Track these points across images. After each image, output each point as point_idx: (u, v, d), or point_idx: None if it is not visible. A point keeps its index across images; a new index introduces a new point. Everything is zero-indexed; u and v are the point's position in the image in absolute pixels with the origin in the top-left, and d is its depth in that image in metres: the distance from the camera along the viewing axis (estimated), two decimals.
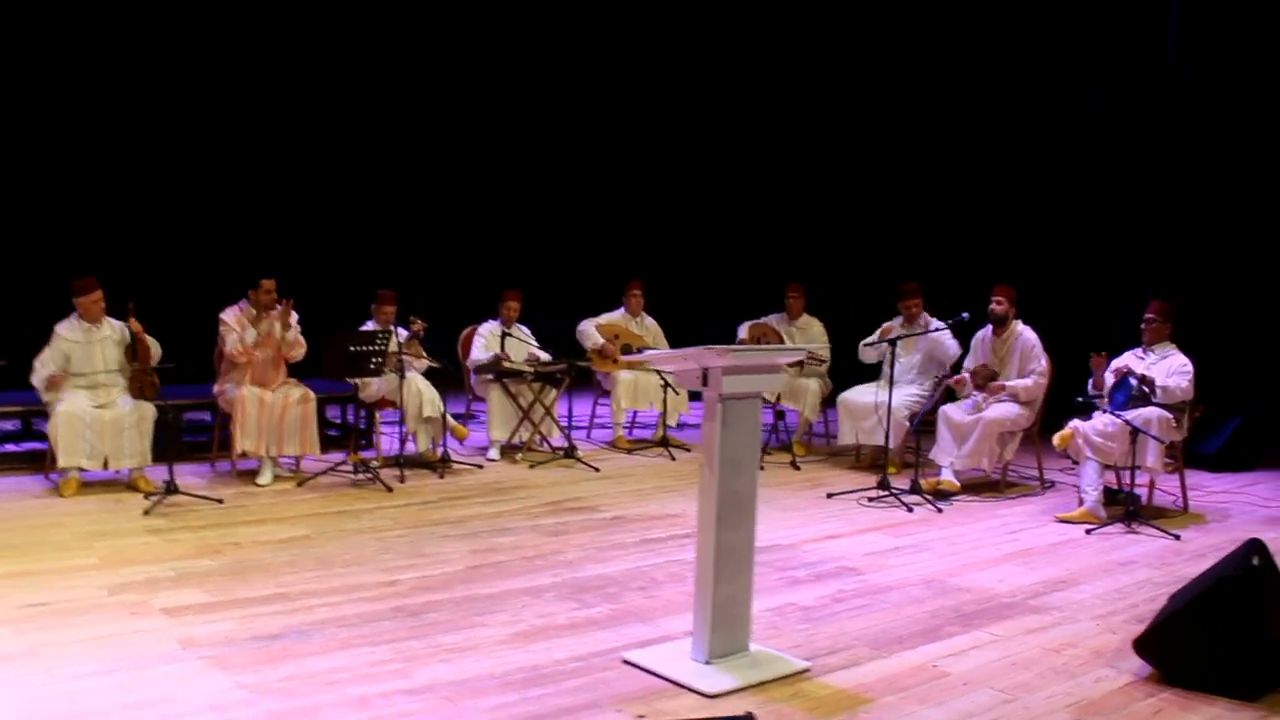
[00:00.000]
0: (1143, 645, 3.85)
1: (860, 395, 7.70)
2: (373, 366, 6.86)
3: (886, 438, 7.24)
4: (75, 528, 5.59)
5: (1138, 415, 6.32)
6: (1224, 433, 8.27)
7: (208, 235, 10.39)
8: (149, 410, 6.49)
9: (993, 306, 7.20)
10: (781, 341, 8.54)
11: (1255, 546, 3.96)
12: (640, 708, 3.47)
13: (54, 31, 9.73)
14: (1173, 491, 6.94)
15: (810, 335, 8.63)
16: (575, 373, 8.14)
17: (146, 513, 5.88)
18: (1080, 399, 6.68)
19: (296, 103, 10.98)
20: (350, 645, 3.97)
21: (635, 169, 12.82)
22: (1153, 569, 5.35)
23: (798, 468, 7.88)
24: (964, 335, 7.46)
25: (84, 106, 9.92)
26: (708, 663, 3.78)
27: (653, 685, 3.67)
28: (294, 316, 6.99)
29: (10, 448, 7.63)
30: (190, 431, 7.81)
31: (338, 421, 8.46)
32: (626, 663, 3.86)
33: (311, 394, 6.97)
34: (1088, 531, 6.09)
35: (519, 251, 11.98)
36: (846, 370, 8.29)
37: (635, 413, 8.95)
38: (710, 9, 11.94)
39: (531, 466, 7.68)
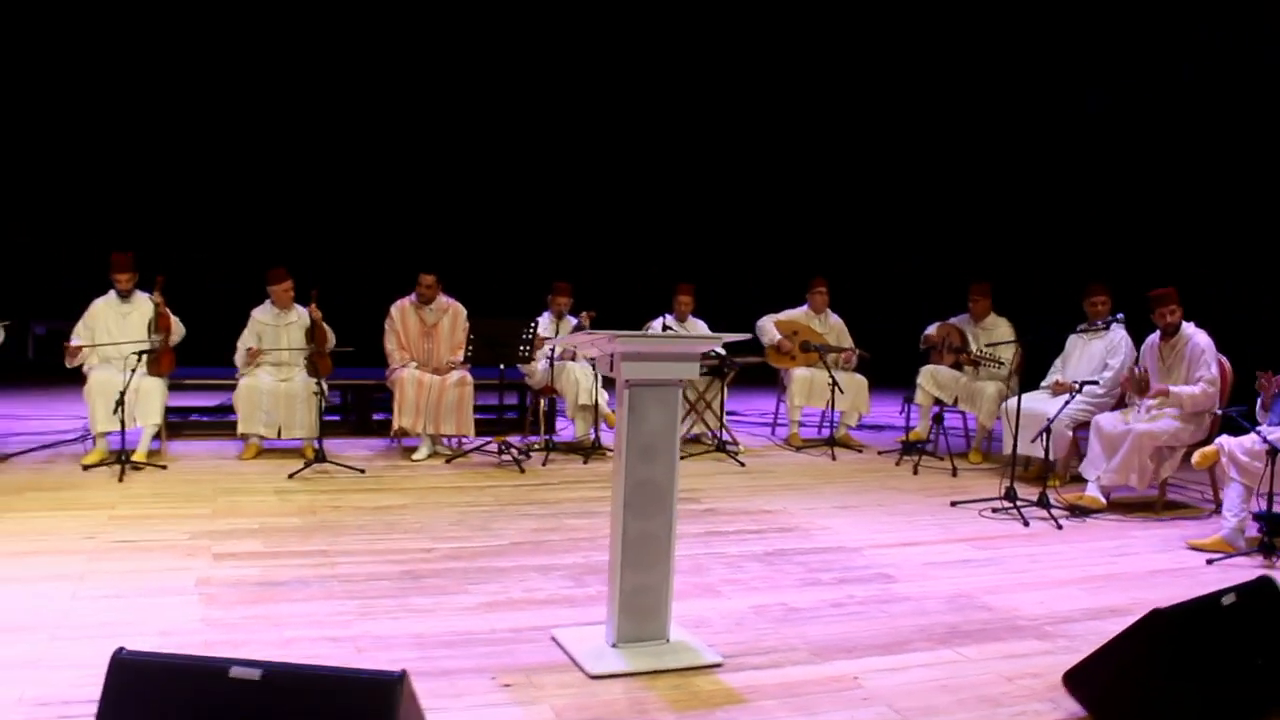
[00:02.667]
0: (1071, 679, 3.48)
1: (1024, 403, 7.20)
2: (522, 354, 7.29)
3: (1046, 451, 6.70)
4: (224, 484, 6.43)
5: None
6: None
7: (381, 233, 11.45)
8: (323, 387, 7.27)
9: (1166, 318, 6.53)
10: (964, 343, 8.14)
11: (1248, 586, 3.48)
12: (517, 678, 3.61)
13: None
14: None
15: (994, 336, 8.14)
16: (739, 368, 8.18)
17: (291, 476, 6.64)
18: (1233, 411, 5.91)
19: (462, 118, 11.91)
20: (332, 597, 4.38)
21: (825, 169, 12.81)
22: None
23: (955, 474, 7.49)
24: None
25: (287, 123, 11.31)
26: (614, 646, 3.83)
27: (553, 660, 3.79)
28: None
29: (209, 418, 8.74)
30: (376, 410, 8.58)
31: (514, 404, 8.91)
32: (552, 639, 4.00)
33: (469, 378, 7.51)
34: (1209, 562, 5.40)
35: (699, 246, 12.23)
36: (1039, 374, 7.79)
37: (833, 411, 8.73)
38: None
39: (682, 458, 7.81)
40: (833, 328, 8.83)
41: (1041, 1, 10.68)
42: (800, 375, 8.46)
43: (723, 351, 8.24)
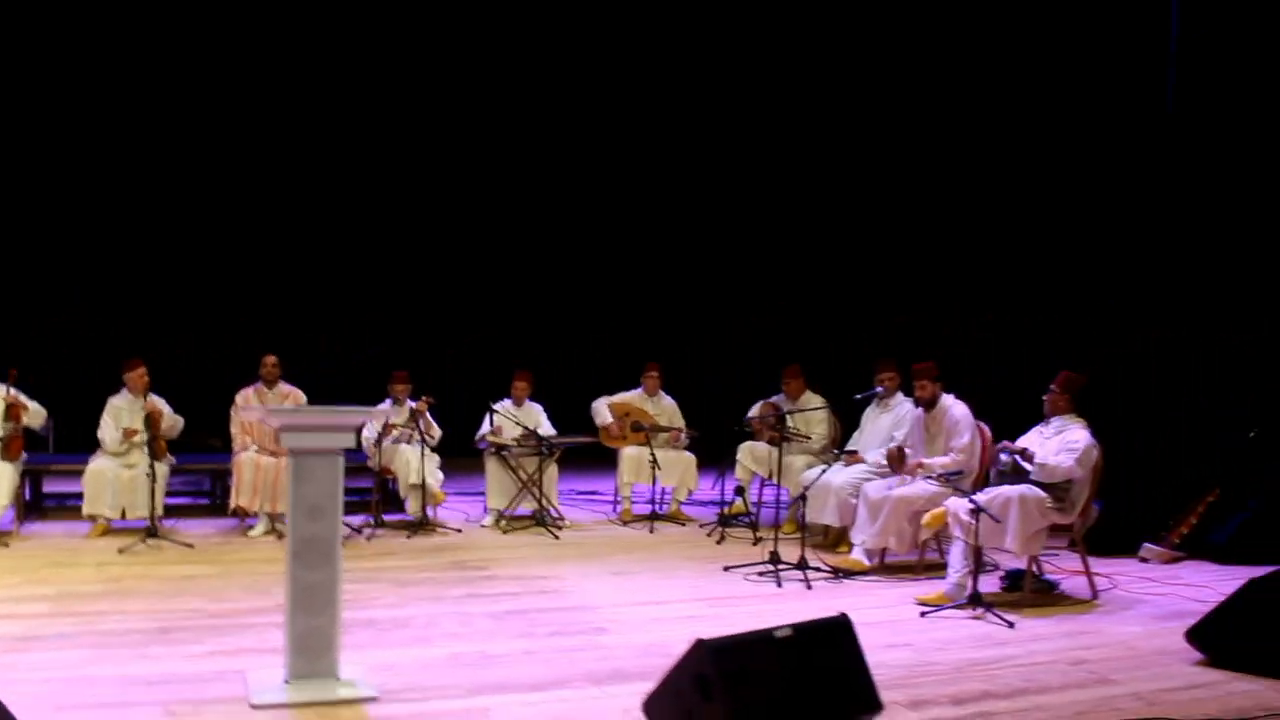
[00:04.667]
0: (646, 708, 3.99)
1: (809, 475, 7.78)
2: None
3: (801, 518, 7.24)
4: (54, 558, 7.01)
5: (995, 493, 6.10)
6: (1232, 524, 7.47)
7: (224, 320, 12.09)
8: (161, 470, 7.85)
9: (917, 393, 7.15)
10: (780, 421, 8.70)
11: (814, 623, 4.02)
12: (186, 709, 4.16)
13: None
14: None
15: (809, 413, 8.70)
16: (561, 449, 8.77)
17: (120, 551, 7.20)
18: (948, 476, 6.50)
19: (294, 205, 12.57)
20: (78, 648, 4.92)
21: (657, 256, 13.78)
22: (911, 650, 5.22)
23: (755, 544, 7.97)
24: None
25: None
26: (287, 682, 4.37)
27: (233, 695, 4.32)
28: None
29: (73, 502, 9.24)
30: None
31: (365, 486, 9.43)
32: (243, 673, 4.54)
33: None
34: (922, 615, 5.93)
35: (536, 334, 13.05)
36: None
37: (660, 488, 9.23)
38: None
39: (505, 532, 8.40)
40: (665, 409, 9.44)
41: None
42: (629, 454, 9.04)
43: (549, 434, 8.83)
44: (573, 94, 13.12)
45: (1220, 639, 4.93)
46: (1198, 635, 5.02)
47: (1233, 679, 4.77)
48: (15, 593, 6.00)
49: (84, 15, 11.34)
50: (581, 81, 13.05)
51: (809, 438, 8.50)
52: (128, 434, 7.87)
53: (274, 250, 12.56)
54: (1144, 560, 7.55)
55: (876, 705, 4.02)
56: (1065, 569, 6.80)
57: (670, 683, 3.85)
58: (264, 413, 4.36)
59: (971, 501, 5.97)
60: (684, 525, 8.91)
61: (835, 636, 4.05)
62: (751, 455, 8.78)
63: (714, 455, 9.16)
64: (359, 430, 8.07)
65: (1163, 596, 6.49)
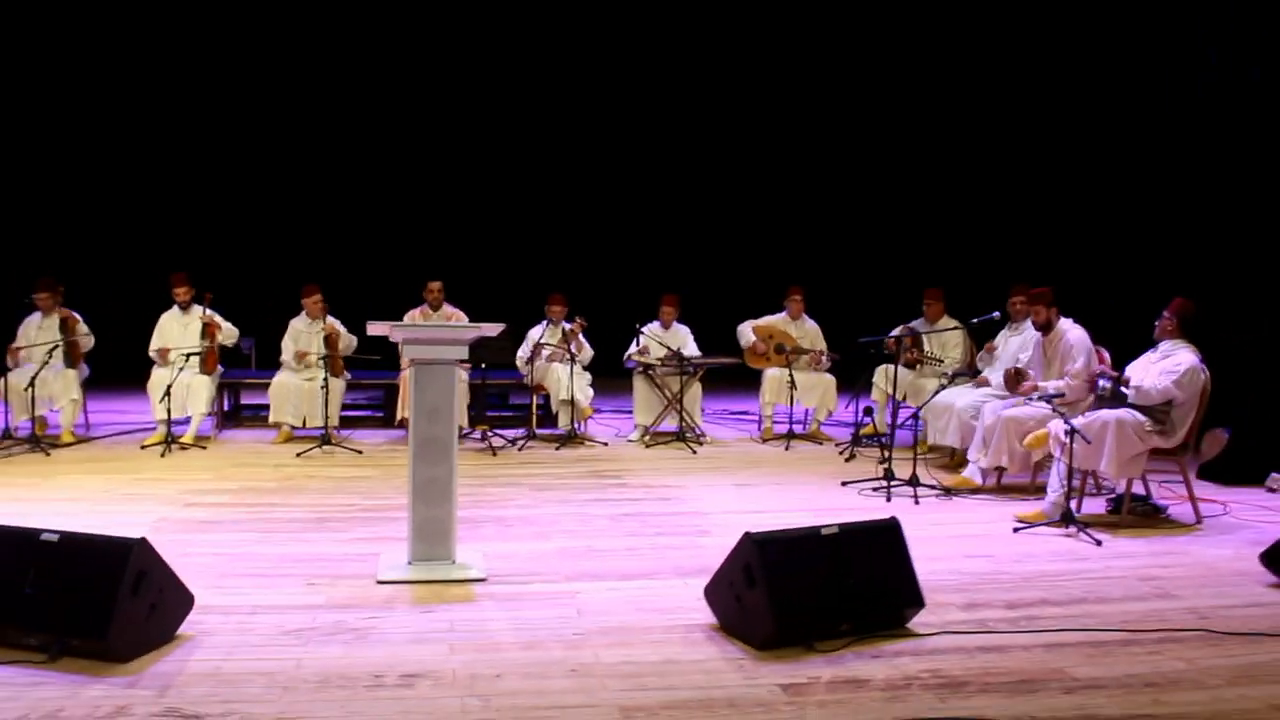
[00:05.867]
0: (707, 593, 4.43)
1: (946, 397, 7.99)
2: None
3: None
4: (241, 459, 7.99)
5: (1094, 416, 6.19)
6: None
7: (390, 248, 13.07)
8: (337, 384, 8.73)
9: (1033, 318, 7.23)
10: (916, 343, 8.89)
11: (863, 525, 4.37)
12: (324, 581, 4.87)
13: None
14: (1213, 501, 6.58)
15: (944, 335, 8.83)
16: (703, 369, 9.21)
17: (298, 455, 8.12)
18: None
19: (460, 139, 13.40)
20: (248, 530, 5.76)
21: (803, 186, 14.18)
22: (989, 560, 5.45)
23: (882, 462, 8.20)
24: None
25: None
26: (409, 563, 5.04)
27: (363, 572, 5.01)
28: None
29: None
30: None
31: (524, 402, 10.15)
32: (378, 555, 5.24)
33: (464, 374, 8.83)
34: (1015, 530, 6.12)
35: (684, 259, 13.50)
36: None
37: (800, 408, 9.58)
38: None
39: (647, 446, 8.94)
40: (808, 332, 9.72)
41: None
42: (771, 375, 9.40)
43: (692, 355, 9.28)
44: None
45: None
46: (1271, 558, 5.05)
47: None
48: (204, 486, 6.95)
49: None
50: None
51: (941, 360, 8.64)
52: (299, 355, 8.78)
53: (440, 181, 13.64)
54: (1271, 490, 7.40)
55: (918, 601, 4.33)
56: (1180, 495, 6.78)
57: (724, 572, 4.28)
58: (388, 328, 4.97)
59: (1066, 423, 6.08)
60: (821, 444, 9.23)
61: (882, 537, 4.36)
62: (885, 377, 8.99)
63: (855, 377, 9.39)
64: (483, 346, 8.73)
65: (1272, 524, 6.40)
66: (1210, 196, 9.41)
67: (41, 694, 3.49)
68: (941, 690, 3.75)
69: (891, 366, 8.93)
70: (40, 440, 8.05)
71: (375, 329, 5.03)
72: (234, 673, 3.75)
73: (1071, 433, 6.03)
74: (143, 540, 3.88)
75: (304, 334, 8.99)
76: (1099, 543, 5.80)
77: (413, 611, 4.49)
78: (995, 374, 7.87)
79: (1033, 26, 11.47)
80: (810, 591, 4.11)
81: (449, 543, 5.07)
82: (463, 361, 8.45)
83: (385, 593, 4.73)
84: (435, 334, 5.00)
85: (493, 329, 5.08)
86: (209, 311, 8.77)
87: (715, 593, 4.35)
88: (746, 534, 4.16)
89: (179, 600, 4.11)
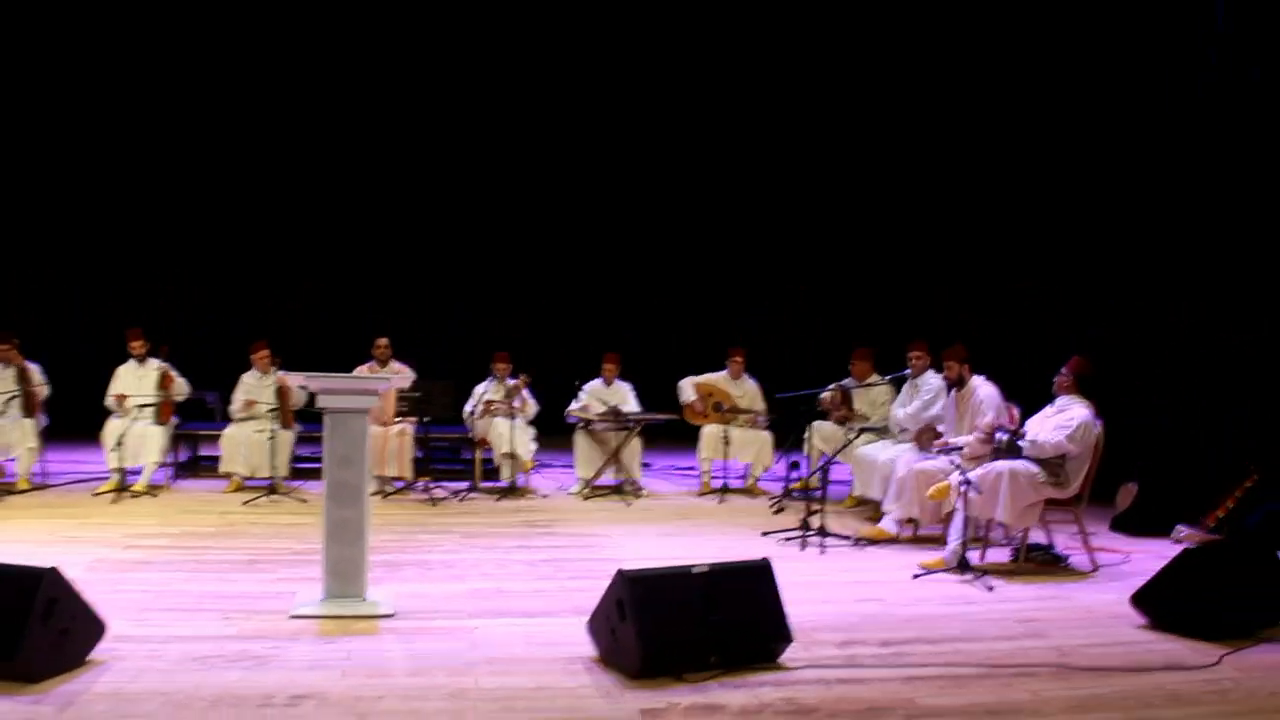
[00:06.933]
0: (590, 624, 4.75)
1: (871, 452, 8.35)
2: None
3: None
4: (188, 507, 8.27)
5: (989, 468, 6.54)
6: (1259, 511, 7.58)
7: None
8: (285, 435, 9.05)
9: (945, 374, 7.60)
10: (846, 402, 9.25)
11: (733, 565, 4.69)
12: (239, 615, 5.17)
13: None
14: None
15: (873, 391, 9.20)
16: (641, 425, 9.56)
17: (245, 503, 8.42)
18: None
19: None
20: (179, 570, 6.05)
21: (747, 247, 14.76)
22: (879, 604, 5.76)
23: (809, 515, 8.53)
24: None
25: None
26: (322, 600, 5.34)
27: (278, 608, 5.31)
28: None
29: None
30: None
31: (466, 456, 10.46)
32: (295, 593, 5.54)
33: (409, 429, 9.18)
34: (914, 577, 6.43)
35: (635, 320, 14.19)
36: None
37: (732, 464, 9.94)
38: None
39: (586, 499, 9.26)
40: (747, 391, 10.10)
41: None
42: (708, 431, 9.76)
43: (632, 411, 9.63)
44: (653, 85, 14.11)
45: (1158, 603, 5.27)
46: (1140, 600, 5.37)
47: (1160, 639, 5.10)
48: (147, 530, 7.25)
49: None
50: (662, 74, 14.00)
51: (868, 418, 9.01)
52: (247, 404, 9.13)
53: (393, 243, 14.25)
54: (1177, 541, 7.72)
55: (787, 636, 4.64)
56: (1093, 547, 7.02)
57: (602, 606, 4.60)
58: (303, 378, 5.33)
59: (960, 474, 6.43)
60: (755, 498, 9.55)
61: (753, 576, 4.69)
62: (819, 434, 9.33)
63: (790, 434, 9.71)
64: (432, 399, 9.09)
65: None
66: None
67: None
68: (793, 715, 4.06)
69: (825, 423, 9.33)
70: None
71: (291, 379, 5.37)
72: (135, 693, 4.05)
73: (966, 483, 6.37)
74: (54, 569, 4.19)
75: (254, 387, 9.33)
76: (991, 589, 6.11)
77: (315, 642, 4.80)
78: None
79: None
80: (679, 625, 4.43)
81: (360, 580, 5.38)
82: (406, 415, 8.95)
83: (294, 626, 5.03)
84: (346, 384, 5.35)
85: (404, 381, 5.44)
86: (164, 364, 9.11)
87: (595, 626, 4.66)
88: (619, 571, 4.49)
89: (90, 627, 4.41)
